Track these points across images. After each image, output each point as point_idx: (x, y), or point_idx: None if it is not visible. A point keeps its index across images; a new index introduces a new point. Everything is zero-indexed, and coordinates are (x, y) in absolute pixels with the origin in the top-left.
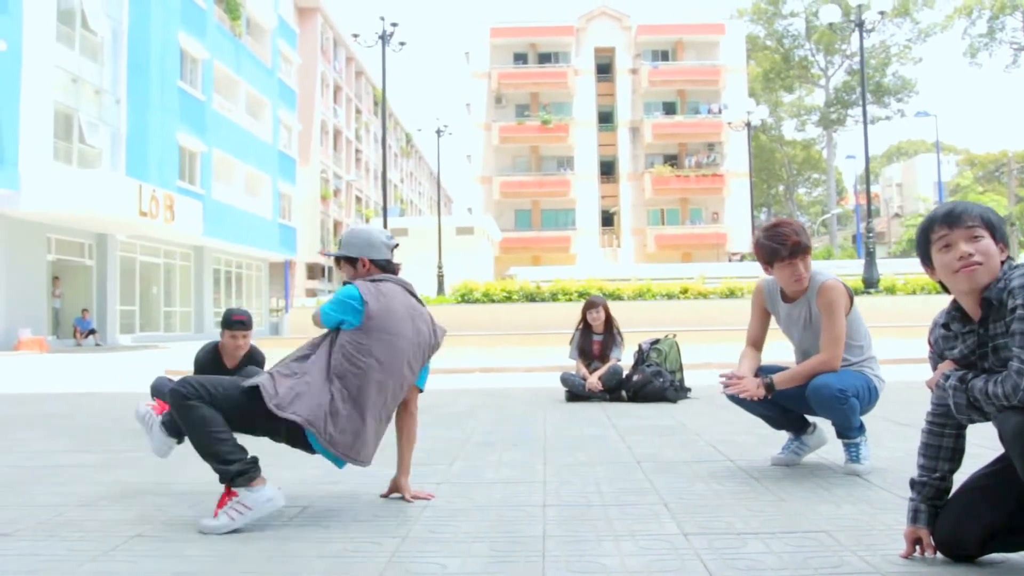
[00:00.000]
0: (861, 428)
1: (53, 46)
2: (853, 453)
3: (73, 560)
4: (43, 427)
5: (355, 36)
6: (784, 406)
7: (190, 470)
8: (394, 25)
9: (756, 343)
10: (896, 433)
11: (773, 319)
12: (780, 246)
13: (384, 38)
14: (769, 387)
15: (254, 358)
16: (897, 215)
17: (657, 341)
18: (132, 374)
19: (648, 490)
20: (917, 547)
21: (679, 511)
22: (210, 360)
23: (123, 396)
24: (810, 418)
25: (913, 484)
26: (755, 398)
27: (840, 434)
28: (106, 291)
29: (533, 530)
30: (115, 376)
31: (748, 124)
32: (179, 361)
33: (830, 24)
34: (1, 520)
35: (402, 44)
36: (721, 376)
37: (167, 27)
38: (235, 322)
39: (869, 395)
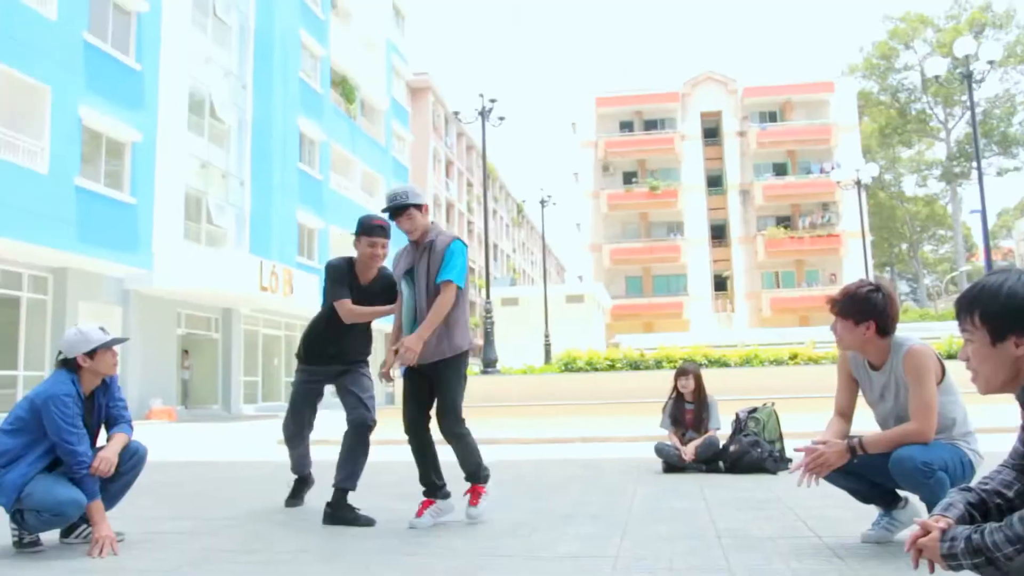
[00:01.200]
0: None
1: (185, 135)
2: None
3: None
4: (152, 495)
5: (456, 114)
6: (871, 479)
7: (275, 537)
8: (493, 101)
9: (843, 412)
10: None
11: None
12: (828, 301)
13: (484, 114)
14: (853, 449)
15: (387, 278)
16: None
17: (755, 410)
18: (252, 442)
19: (722, 568)
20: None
21: None
22: (344, 273)
23: (232, 465)
24: (901, 492)
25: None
26: (831, 468)
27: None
28: (231, 363)
29: None
30: (235, 445)
31: (858, 182)
32: None
33: (936, 77)
34: None
35: (501, 119)
36: (797, 449)
37: (287, 113)
38: (375, 227)
39: (962, 470)
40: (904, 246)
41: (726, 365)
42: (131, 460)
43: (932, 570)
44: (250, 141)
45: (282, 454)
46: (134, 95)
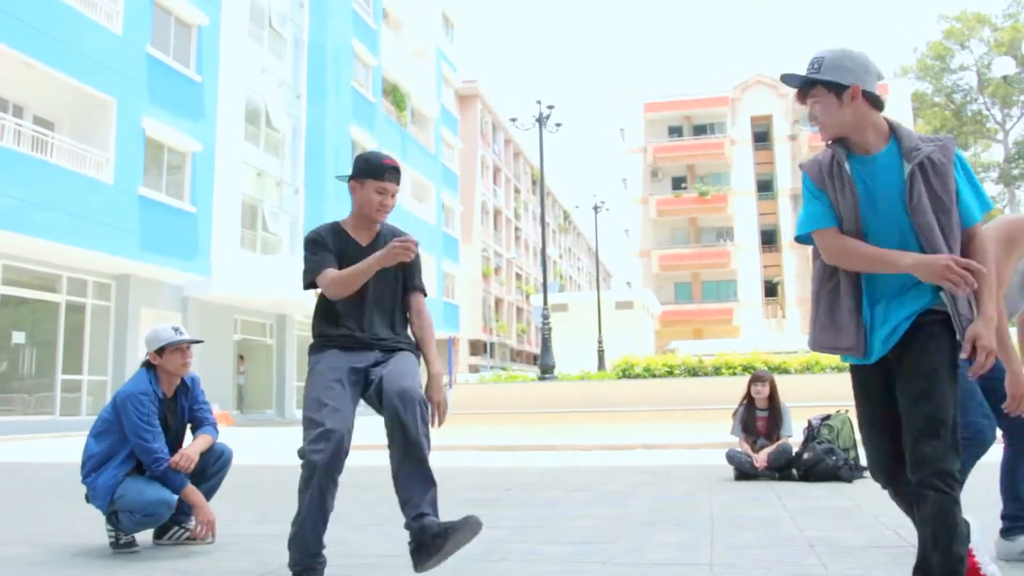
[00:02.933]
0: None
1: (241, 144)
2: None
3: None
4: (229, 498)
5: (513, 120)
6: None
7: (357, 540)
8: (550, 108)
9: None
10: None
11: None
12: None
13: (541, 120)
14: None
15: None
16: None
17: (828, 417)
18: None
19: None
20: None
21: None
22: (328, 238)
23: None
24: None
25: None
26: None
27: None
28: (284, 368)
29: None
30: (290, 449)
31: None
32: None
33: (1004, 77)
34: None
35: (558, 125)
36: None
37: (340, 121)
38: (387, 168)
39: None
40: None
41: (786, 372)
42: (217, 462)
43: None
44: (303, 150)
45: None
46: (194, 106)
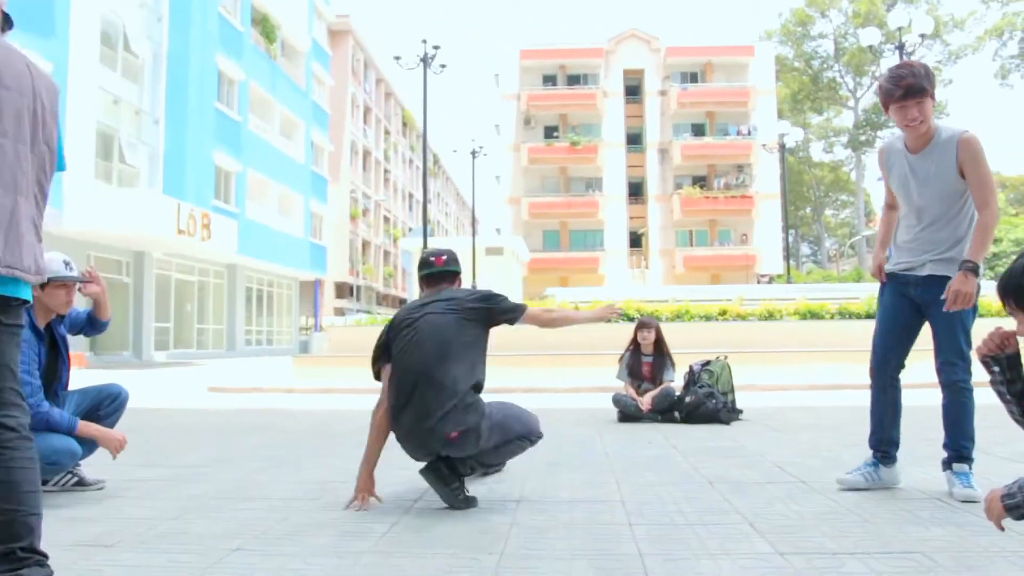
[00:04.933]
0: (973, 460)
1: (96, 68)
2: (965, 479)
3: (179, 572)
4: None
5: (397, 59)
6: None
7: (261, 483)
8: (436, 48)
9: (893, 204)
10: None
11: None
12: (894, 87)
13: (426, 61)
14: (973, 270)
15: None
16: None
17: (708, 362)
18: (178, 390)
19: (729, 510)
20: None
21: (767, 531)
22: None
23: (173, 411)
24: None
25: None
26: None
27: (956, 454)
28: (142, 308)
29: (627, 548)
30: (162, 392)
31: (782, 146)
32: (226, 379)
33: (870, 47)
34: (98, 532)
35: (443, 67)
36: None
37: (205, 49)
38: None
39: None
40: (808, 209)
41: (658, 320)
42: (113, 403)
43: (1001, 528)
44: (165, 77)
45: (218, 401)
46: (43, 21)
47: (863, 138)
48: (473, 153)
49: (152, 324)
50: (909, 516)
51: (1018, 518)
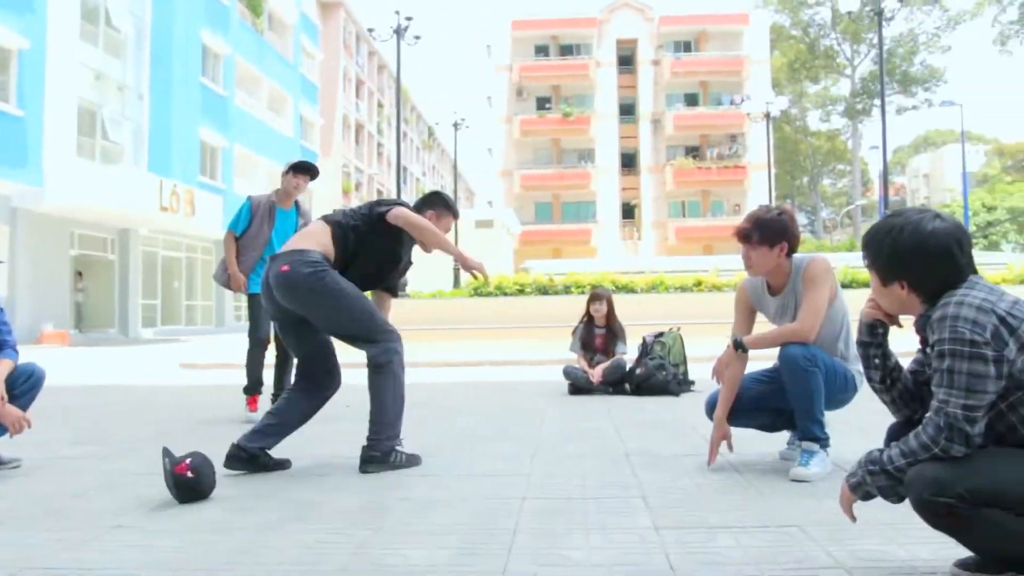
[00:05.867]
0: (826, 440)
1: (77, 43)
2: (805, 458)
3: (51, 549)
4: (52, 419)
5: (370, 31)
6: (774, 407)
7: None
8: (408, 19)
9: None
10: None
11: (763, 317)
12: (739, 231)
13: (399, 32)
14: (739, 345)
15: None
16: (924, 206)
17: (661, 334)
18: (152, 367)
19: (632, 484)
20: None
21: (657, 505)
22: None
23: (136, 388)
24: None
25: None
26: (726, 367)
27: (802, 435)
28: (128, 285)
29: (506, 523)
30: (135, 369)
31: (768, 115)
32: (201, 355)
33: (849, 13)
34: None
35: (417, 38)
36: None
37: (189, 23)
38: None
39: (845, 384)
40: (805, 179)
41: (633, 291)
42: (27, 382)
43: (853, 519)
44: (148, 52)
45: (186, 377)
46: None
47: (860, 106)
48: (455, 125)
49: (139, 301)
50: (809, 489)
51: (863, 497)
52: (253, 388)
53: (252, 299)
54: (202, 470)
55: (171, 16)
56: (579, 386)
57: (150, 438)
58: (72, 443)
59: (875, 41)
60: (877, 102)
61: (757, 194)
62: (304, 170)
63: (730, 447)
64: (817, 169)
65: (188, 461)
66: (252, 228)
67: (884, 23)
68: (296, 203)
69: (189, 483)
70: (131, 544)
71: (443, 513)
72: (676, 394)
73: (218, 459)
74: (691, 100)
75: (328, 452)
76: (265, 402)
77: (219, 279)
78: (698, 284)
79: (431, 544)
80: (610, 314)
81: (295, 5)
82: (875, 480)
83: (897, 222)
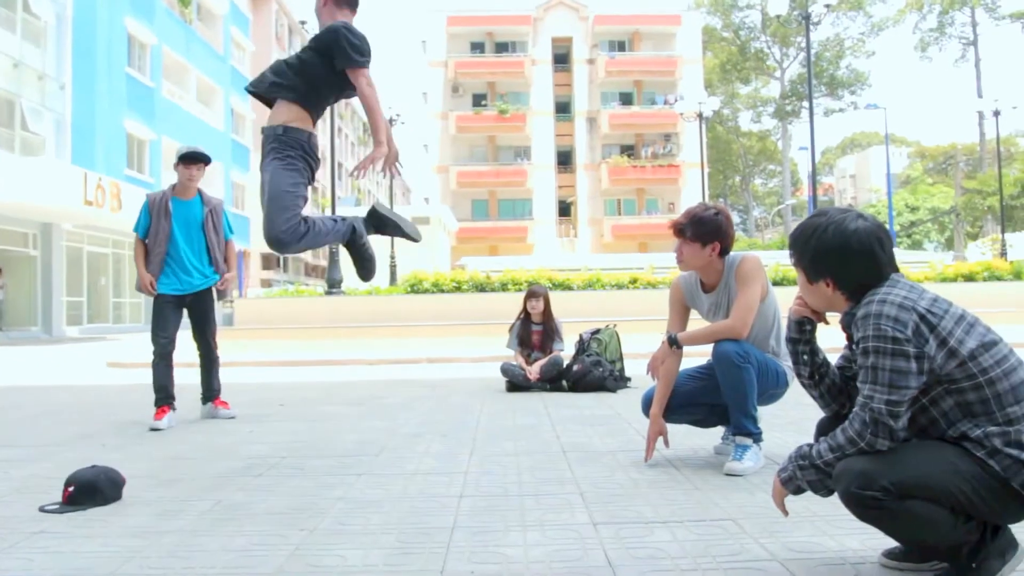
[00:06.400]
0: (758, 435)
1: None
2: (739, 452)
3: None
4: None
5: (303, 23)
6: (708, 403)
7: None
8: None
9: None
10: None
11: (696, 314)
12: (673, 225)
13: None
14: (673, 341)
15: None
16: (850, 206)
17: (598, 331)
18: (77, 367)
19: (568, 480)
20: None
21: (594, 500)
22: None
23: (59, 389)
24: None
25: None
26: (662, 363)
27: (735, 429)
28: (51, 282)
29: (443, 521)
30: (59, 369)
31: (700, 115)
32: (128, 353)
33: (778, 17)
34: None
35: None
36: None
37: (114, 11)
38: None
39: (777, 379)
40: (737, 179)
41: (569, 288)
42: None
43: (785, 513)
44: (71, 40)
45: (113, 377)
46: None
47: (789, 108)
48: (391, 121)
49: (63, 298)
50: (742, 482)
51: (794, 491)
52: (163, 400)
53: (157, 300)
54: (94, 488)
55: (93, 3)
56: (516, 383)
57: (69, 440)
58: None
59: (803, 45)
60: (805, 104)
61: (691, 193)
62: (194, 160)
63: (666, 443)
64: (749, 169)
65: (71, 489)
66: (152, 226)
67: (812, 27)
68: (199, 191)
69: (78, 506)
70: (54, 551)
71: (379, 512)
72: (613, 390)
73: (146, 461)
74: (626, 99)
75: (259, 452)
76: (187, 410)
77: (137, 286)
78: (634, 282)
79: (368, 544)
80: (547, 311)
81: None
82: (805, 474)
83: (821, 221)
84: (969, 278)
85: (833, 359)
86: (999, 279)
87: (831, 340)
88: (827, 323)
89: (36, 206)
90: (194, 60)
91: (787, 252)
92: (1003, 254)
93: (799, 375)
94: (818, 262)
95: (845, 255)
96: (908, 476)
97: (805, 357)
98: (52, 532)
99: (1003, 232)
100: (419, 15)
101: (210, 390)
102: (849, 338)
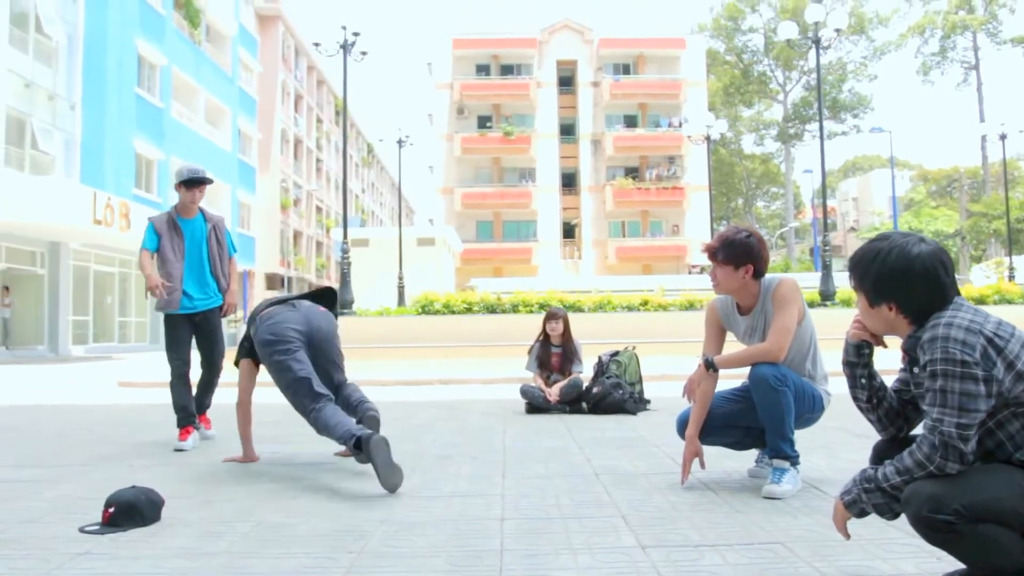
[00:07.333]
0: (796, 458)
1: (5, 50)
2: (777, 475)
3: None
4: None
5: (316, 45)
6: (744, 425)
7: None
8: (356, 35)
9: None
10: (852, 444)
11: (732, 337)
12: (706, 247)
13: (346, 47)
14: (710, 364)
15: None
16: (853, 229)
17: (617, 353)
18: (85, 386)
19: (607, 503)
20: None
21: (637, 524)
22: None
23: (73, 408)
24: None
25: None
26: (698, 385)
27: (773, 452)
28: (58, 301)
29: (490, 544)
30: (68, 388)
31: (708, 138)
32: (138, 373)
33: (788, 41)
34: None
35: (364, 54)
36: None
37: (124, 32)
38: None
39: (813, 403)
40: (740, 201)
41: (580, 310)
42: None
43: (847, 536)
44: (81, 61)
45: (125, 397)
46: None
47: (792, 131)
48: (399, 142)
49: (69, 317)
50: (783, 506)
51: (858, 514)
52: (185, 420)
53: (170, 320)
54: (134, 509)
55: (105, 24)
56: (536, 405)
57: (93, 461)
58: (14, 466)
59: (806, 68)
60: (808, 127)
61: (695, 215)
62: (196, 183)
63: (702, 464)
64: (751, 191)
65: (111, 510)
66: (163, 244)
67: (820, 51)
68: (200, 209)
69: (118, 527)
70: (102, 572)
71: (424, 535)
72: (633, 413)
73: (176, 481)
74: (630, 121)
75: (289, 474)
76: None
77: (159, 305)
78: (644, 304)
79: (418, 567)
80: (566, 333)
81: (233, 17)
82: (871, 498)
83: (884, 246)
84: (980, 302)
85: (888, 382)
86: (1010, 303)
87: (883, 363)
88: (885, 346)
89: (45, 225)
90: (203, 81)
91: (791, 274)
92: (1011, 277)
93: (856, 399)
94: (881, 286)
95: (909, 279)
96: (979, 499)
97: (863, 381)
98: (96, 553)
99: (1010, 255)
100: (425, 37)
101: (200, 405)
102: (910, 361)
